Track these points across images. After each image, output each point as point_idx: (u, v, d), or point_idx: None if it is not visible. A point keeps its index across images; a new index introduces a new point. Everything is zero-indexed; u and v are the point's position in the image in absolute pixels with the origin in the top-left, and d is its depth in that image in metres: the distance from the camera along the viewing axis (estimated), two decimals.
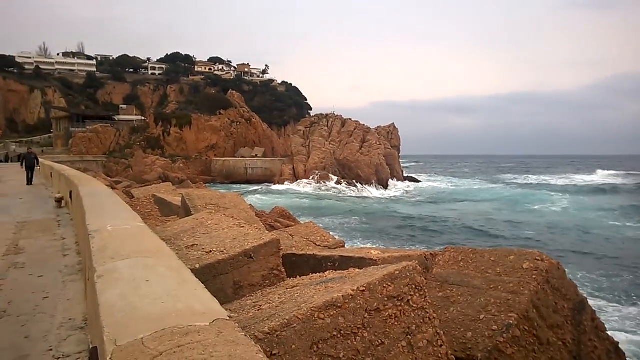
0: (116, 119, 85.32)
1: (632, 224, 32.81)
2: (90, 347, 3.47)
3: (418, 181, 77.71)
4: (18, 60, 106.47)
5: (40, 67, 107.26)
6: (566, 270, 5.26)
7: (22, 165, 21.31)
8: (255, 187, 61.63)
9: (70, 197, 10.56)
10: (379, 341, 3.31)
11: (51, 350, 3.58)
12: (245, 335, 1.82)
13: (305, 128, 77.33)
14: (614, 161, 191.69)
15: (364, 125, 76.56)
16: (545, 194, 55.44)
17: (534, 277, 4.85)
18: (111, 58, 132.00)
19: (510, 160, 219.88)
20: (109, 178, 38.05)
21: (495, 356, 4.35)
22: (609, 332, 5.41)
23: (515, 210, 40.19)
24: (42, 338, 3.82)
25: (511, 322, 4.47)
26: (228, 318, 1.97)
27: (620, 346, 5.40)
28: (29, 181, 19.44)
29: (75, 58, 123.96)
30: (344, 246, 9.21)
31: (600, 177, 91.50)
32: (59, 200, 12.37)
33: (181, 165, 74.52)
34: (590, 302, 5.52)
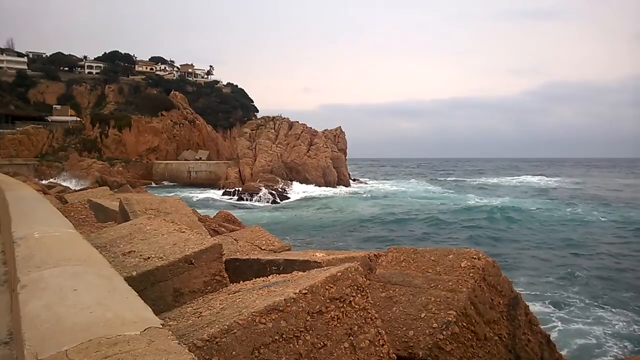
0: (49, 120, 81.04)
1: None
2: None
3: (365, 183, 79.02)
4: None
5: None
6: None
7: None
8: (199, 193, 60.27)
9: None
10: (321, 343, 3.30)
11: None
12: (179, 343, 1.75)
13: (252, 130, 76.72)
14: (542, 165, 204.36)
15: (311, 128, 77.04)
16: (479, 194, 58.46)
17: (471, 274, 5.02)
18: (44, 55, 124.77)
19: (453, 164, 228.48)
20: (40, 182, 36.01)
21: (436, 353, 4.46)
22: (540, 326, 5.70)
23: (454, 210, 41.71)
24: None
25: (450, 319, 4.60)
26: (161, 326, 1.89)
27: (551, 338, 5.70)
28: None
29: (4, 54, 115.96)
30: (290, 250, 9.17)
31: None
32: None
33: (120, 168, 71.86)
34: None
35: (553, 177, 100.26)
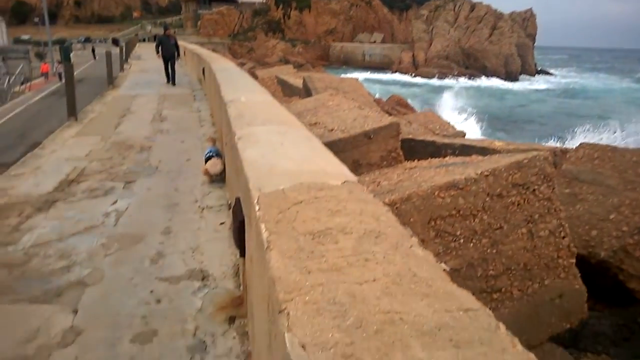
0: (239, 1, 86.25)
1: None
2: (229, 201, 3.94)
3: (552, 75, 70.41)
4: None
5: None
6: None
7: (157, 51, 13.48)
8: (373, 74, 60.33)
9: (203, 73, 11.30)
10: (498, 225, 3.31)
11: (197, 202, 4.13)
12: (374, 197, 1.92)
13: (429, 12, 72.00)
14: None
15: (496, 10, 69.26)
16: None
17: None
18: None
19: None
20: (234, 59, 39.62)
21: (621, 257, 4.16)
22: None
23: None
24: (188, 192, 4.40)
25: None
26: (357, 181, 2.08)
27: None
28: (170, 79, 13.38)
29: None
30: (464, 137, 8.95)
31: None
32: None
33: (300, 49, 75.02)
34: None
35: None
